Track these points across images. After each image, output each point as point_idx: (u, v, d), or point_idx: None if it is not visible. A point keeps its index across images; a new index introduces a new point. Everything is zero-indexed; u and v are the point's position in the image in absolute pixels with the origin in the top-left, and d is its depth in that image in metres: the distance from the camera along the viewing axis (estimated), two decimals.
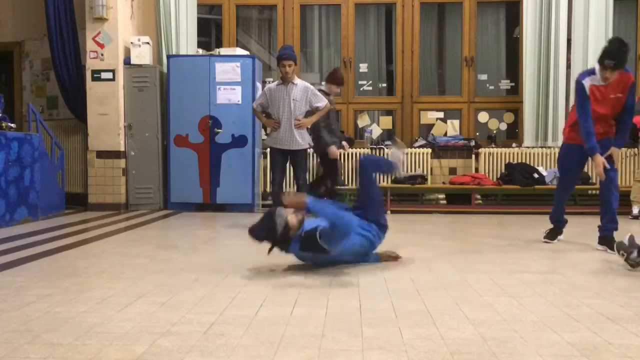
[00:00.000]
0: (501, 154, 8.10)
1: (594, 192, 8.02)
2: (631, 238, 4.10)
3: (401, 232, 5.96)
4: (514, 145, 8.27)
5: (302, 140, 6.19)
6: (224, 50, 7.98)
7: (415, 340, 2.48)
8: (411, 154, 8.14)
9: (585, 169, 7.89)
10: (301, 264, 4.11)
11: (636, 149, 7.44)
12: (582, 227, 6.37)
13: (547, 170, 7.83)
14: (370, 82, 8.92)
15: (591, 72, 4.87)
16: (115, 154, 7.70)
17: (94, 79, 7.67)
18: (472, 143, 8.21)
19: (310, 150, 6.73)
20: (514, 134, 8.69)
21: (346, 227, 3.71)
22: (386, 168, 4.71)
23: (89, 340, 2.47)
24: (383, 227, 4.20)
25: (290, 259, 4.23)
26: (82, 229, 6.08)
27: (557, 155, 7.92)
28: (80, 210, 7.68)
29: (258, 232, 3.81)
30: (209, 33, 9.41)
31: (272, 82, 6.86)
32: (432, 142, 8.26)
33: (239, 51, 7.97)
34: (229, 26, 8.82)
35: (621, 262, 4.10)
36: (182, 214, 7.38)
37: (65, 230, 5.94)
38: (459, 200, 7.92)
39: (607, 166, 4.97)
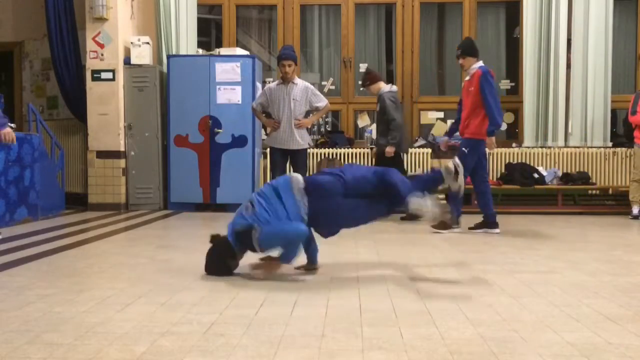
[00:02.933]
0: (501, 154, 8.10)
1: (594, 192, 8.03)
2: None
3: (401, 232, 5.97)
4: (514, 145, 8.26)
5: (302, 140, 6.19)
6: (224, 50, 7.98)
7: (415, 340, 2.48)
8: (411, 153, 8.13)
9: (584, 169, 7.93)
10: (301, 263, 4.12)
11: (632, 149, 7.45)
12: (582, 227, 6.38)
13: (547, 170, 7.83)
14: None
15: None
16: (115, 154, 7.69)
17: (94, 79, 7.66)
18: None
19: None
20: (514, 134, 8.69)
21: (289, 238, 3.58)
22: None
23: (89, 340, 2.47)
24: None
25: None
26: (82, 229, 6.08)
27: (557, 155, 7.99)
28: (80, 210, 7.67)
29: (210, 269, 3.75)
30: (209, 33, 9.41)
31: (272, 82, 6.86)
32: (432, 142, 8.25)
33: (239, 51, 7.97)
34: (229, 26, 8.82)
35: None
36: (182, 214, 7.38)
37: (65, 230, 5.93)
38: None
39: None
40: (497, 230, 5.82)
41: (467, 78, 5.88)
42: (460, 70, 8.63)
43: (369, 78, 6.94)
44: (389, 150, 6.60)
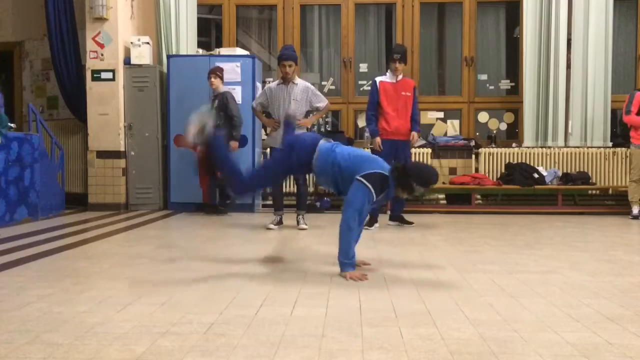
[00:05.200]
0: (501, 154, 8.10)
1: (594, 192, 8.03)
2: None
3: (401, 232, 5.97)
4: (514, 145, 8.27)
5: None
6: (224, 50, 7.98)
7: (415, 340, 2.48)
8: (412, 154, 8.11)
9: (584, 169, 7.94)
10: (301, 264, 4.12)
11: (628, 149, 7.45)
12: (582, 227, 6.38)
13: (547, 170, 7.84)
14: (370, 82, 8.90)
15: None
16: (115, 154, 7.70)
17: (94, 79, 7.66)
18: (472, 143, 8.21)
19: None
20: (514, 134, 8.69)
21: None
22: None
23: (89, 340, 2.47)
24: None
25: (290, 259, 4.25)
26: (82, 229, 6.08)
27: (557, 155, 7.99)
28: (80, 210, 7.67)
29: None
30: (209, 33, 9.41)
31: (273, 81, 6.86)
32: (432, 142, 8.25)
33: (239, 51, 7.97)
34: (229, 26, 8.82)
35: None
36: (182, 214, 7.38)
37: (65, 230, 5.93)
38: (459, 200, 7.92)
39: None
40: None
41: (394, 81, 6.19)
42: (460, 71, 8.66)
43: None
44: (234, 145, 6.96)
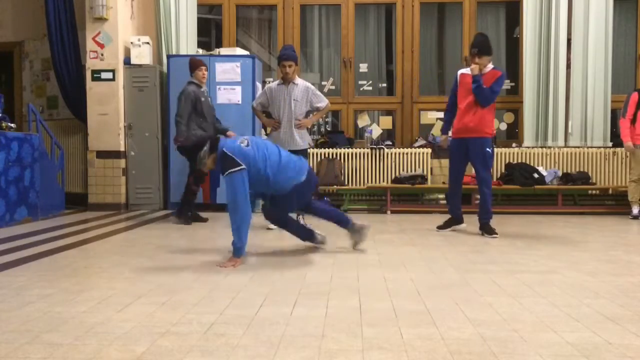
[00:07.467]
0: (501, 154, 8.10)
1: (594, 192, 8.03)
2: None
3: (401, 232, 5.97)
4: (514, 145, 8.27)
5: (302, 140, 6.18)
6: (224, 50, 7.98)
7: (415, 340, 2.48)
8: (411, 154, 8.14)
9: (584, 169, 7.93)
10: (301, 264, 4.12)
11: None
12: (582, 227, 6.38)
13: (547, 170, 7.83)
14: (370, 82, 8.92)
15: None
16: (115, 154, 7.70)
17: (94, 79, 7.67)
18: None
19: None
20: (514, 134, 8.69)
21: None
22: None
23: (89, 340, 2.47)
24: None
25: (290, 259, 4.25)
26: (82, 229, 6.08)
27: (557, 155, 7.99)
28: (80, 210, 7.67)
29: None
30: (209, 33, 9.41)
31: (273, 81, 6.86)
32: (432, 142, 8.25)
33: (239, 51, 7.97)
34: (229, 26, 8.82)
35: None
36: None
37: (65, 230, 5.93)
38: None
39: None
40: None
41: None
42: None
43: None
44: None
